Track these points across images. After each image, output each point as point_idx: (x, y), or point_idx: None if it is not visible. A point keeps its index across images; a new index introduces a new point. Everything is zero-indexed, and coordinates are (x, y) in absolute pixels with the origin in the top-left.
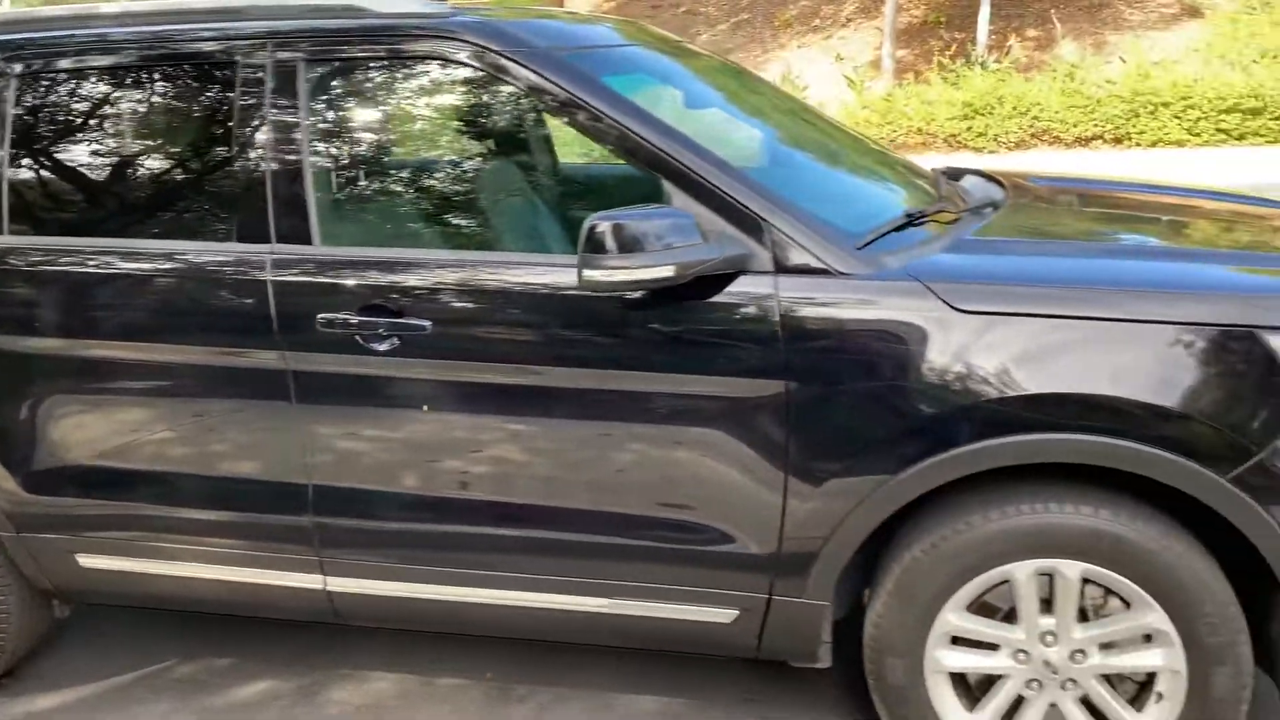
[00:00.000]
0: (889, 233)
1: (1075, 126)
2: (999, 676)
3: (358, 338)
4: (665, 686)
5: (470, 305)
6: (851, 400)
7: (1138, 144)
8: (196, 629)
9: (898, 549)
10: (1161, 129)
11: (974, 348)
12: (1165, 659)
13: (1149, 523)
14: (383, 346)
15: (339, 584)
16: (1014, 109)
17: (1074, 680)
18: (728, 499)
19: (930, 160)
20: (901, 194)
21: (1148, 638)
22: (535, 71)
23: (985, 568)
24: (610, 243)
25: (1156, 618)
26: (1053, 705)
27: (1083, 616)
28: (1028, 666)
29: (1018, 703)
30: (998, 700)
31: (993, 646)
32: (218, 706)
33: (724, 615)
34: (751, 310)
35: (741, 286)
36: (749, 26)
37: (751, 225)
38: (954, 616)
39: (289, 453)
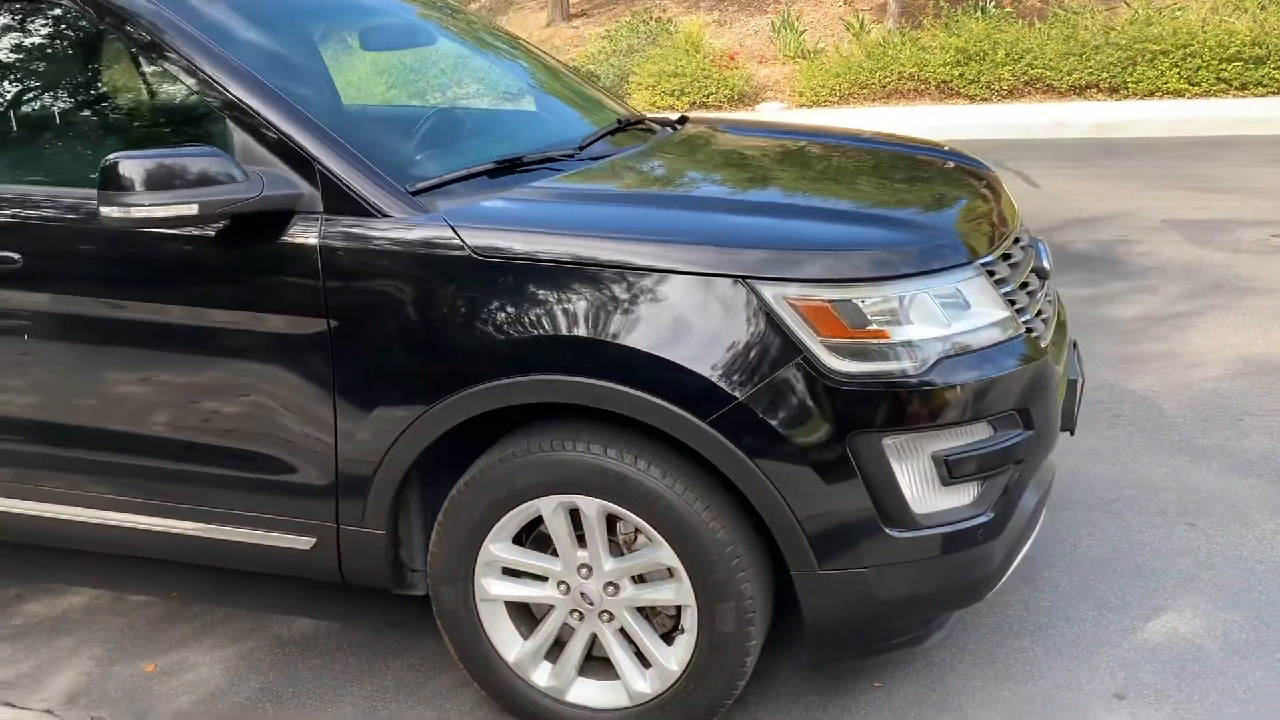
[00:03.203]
0: (473, 177)
1: (1070, 75)
2: (552, 606)
3: None
4: (324, 610)
5: (51, 239)
6: (385, 338)
7: (1134, 93)
8: None
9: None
10: (1159, 78)
11: (489, 290)
12: (678, 593)
13: (653, 463)
14: None
15: None
16: (1007, 55)
17: (610, 612)
18: (288, 430)
19: (915, 110)
20: (526, 139)
21: (671, 572)
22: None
23: (516, 502)
24: (132, 180)
25: (666, 554)
26: (595, 635)
27: (620, 552)
28: (569, 598)
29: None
30: (547, 629)
31: (543, 578)
32: None
33: (303, 542)
34: (298, 250)
35: (293, 226)
36: None
37: (303, 165)
38: (497, 548)
39: None
